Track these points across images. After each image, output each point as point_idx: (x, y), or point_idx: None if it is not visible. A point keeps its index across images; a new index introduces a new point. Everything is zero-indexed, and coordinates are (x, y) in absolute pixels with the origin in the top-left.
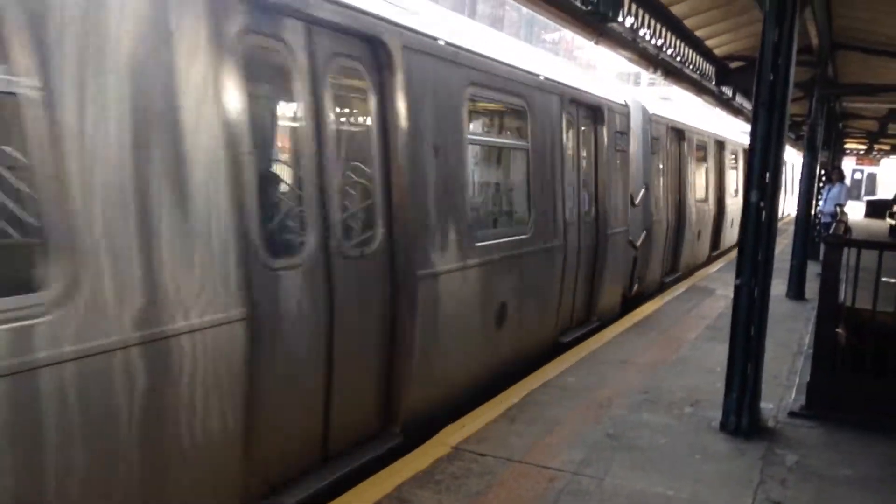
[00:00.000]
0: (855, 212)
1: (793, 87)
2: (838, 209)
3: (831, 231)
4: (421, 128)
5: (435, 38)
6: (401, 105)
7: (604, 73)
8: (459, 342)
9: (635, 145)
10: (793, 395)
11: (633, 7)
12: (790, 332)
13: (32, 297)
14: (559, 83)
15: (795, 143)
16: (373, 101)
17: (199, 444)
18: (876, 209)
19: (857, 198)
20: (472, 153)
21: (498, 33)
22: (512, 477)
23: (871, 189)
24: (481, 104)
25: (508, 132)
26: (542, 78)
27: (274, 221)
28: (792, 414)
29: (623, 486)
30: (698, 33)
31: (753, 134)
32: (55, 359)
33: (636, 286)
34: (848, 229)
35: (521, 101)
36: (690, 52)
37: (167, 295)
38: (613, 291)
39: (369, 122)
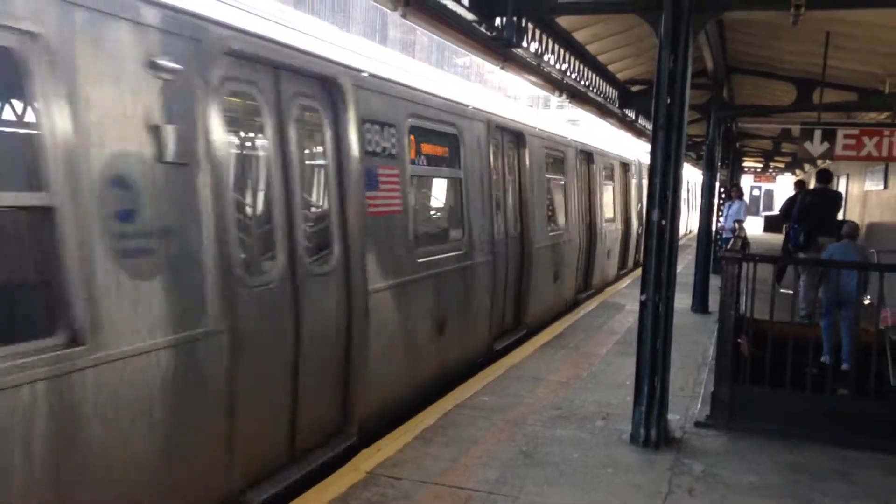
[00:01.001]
0: (754, 227)
1: (690, 109)
2: (737, 225)
3: (729, 246)
4: (370, 157)
5: (381, 77)
6: (352, 137)
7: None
8: (408, 349)
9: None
10: (698, 406)
11: (538, 33)
12: (695, 344)
13: None
14: (485, 111)
15: (696, 162)
16: (328, 134)
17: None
18: (773, 224)
19: (756, 213)
20: (413, 178)
21: (425, 66)
22: (427, 499)
23: (769, 205)
24: (420, 133)
25: (444, 157)
26: (470, 107)
27: (250, 245)
28: (698, 424)
29: (537, 502)
30: (601, 58)
31: (653, 155)
32: None
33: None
34: (746, 244)
35: (453, 129)
36: (594, 76)
37: None
38: (540, 301)
39: (326, 152)
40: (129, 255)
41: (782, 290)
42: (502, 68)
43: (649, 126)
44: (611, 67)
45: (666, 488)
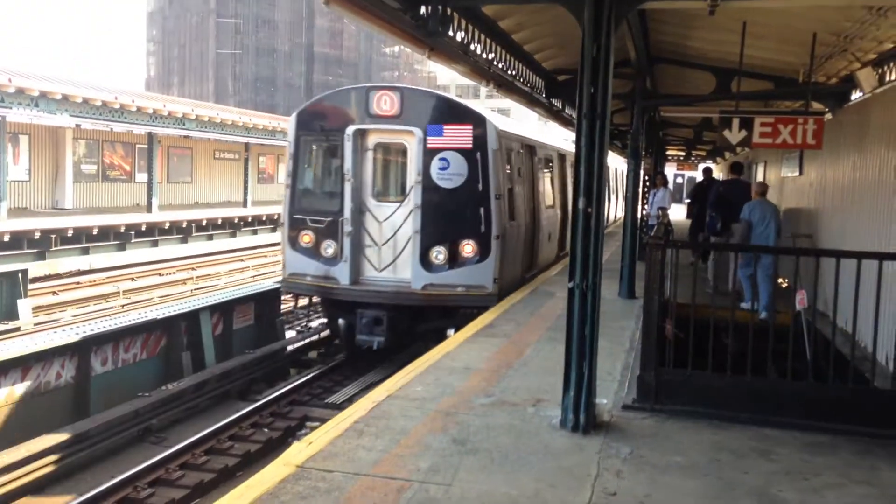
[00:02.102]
0: (678, 213)
1: (615, 98)
2: (661, 212)
3: (653, 233)
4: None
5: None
6: (539, 166)
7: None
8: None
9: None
10: (626, 390)
11: (463, 22)
12: (622, 329)
13: None
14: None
15: (623, 151)
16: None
17: None
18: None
19: (680, 201)
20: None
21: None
22: (360, 491)
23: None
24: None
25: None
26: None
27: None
28: (625, 407)
29: (470, 489)
30: (527, 48)
31: (578, 143)
32: None
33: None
34: (670, 230)
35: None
36: (521, 65)
37: None
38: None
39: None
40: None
41: (691, 262)
42: (428, 57)
43: (575, 115)
44: (537, 57)
45: (595, 471)
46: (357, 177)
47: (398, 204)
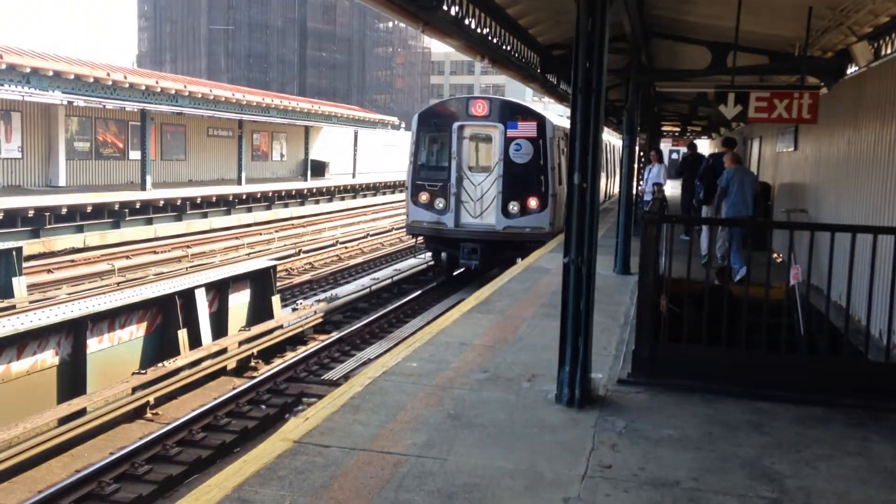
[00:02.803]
0: (674, 189)
1: (610, 73)
2: (656, 188)
3: (648, 209)
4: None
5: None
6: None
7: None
8: None
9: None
10: (621, 364)
11: None
12: (618, 305)
13: None
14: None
15: (618, 127)
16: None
17: None
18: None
19: (675, 177)
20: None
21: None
22: (356, 466)
23: None
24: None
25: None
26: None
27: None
28: (620, 382)
29: (465, 463)
30: (521, 22)
31: (573, 119)
32: None
33: None
34: (665, 206)
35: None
36: (515, 41)
37: None
38: None
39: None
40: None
41: (683, 238)
42: (422, 31)
43: (570, 91)
44: (532, 32)
45: (590, 445)
46: (459, 156)
47: (486, 173)
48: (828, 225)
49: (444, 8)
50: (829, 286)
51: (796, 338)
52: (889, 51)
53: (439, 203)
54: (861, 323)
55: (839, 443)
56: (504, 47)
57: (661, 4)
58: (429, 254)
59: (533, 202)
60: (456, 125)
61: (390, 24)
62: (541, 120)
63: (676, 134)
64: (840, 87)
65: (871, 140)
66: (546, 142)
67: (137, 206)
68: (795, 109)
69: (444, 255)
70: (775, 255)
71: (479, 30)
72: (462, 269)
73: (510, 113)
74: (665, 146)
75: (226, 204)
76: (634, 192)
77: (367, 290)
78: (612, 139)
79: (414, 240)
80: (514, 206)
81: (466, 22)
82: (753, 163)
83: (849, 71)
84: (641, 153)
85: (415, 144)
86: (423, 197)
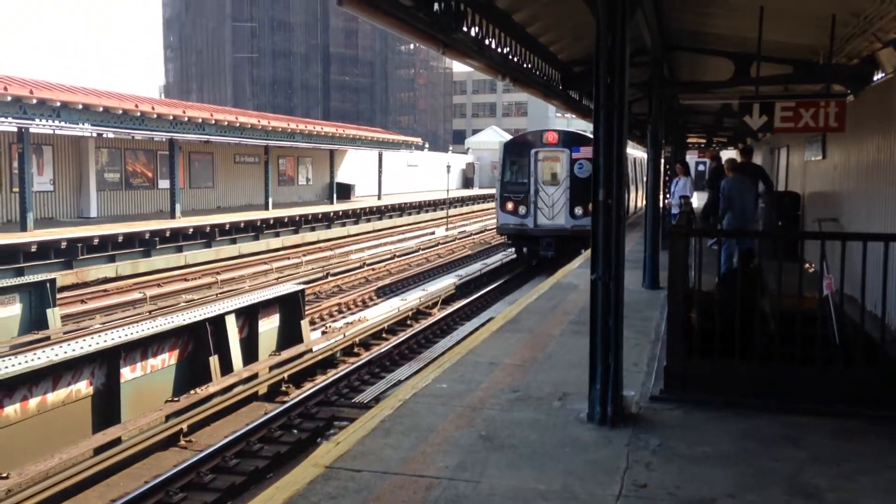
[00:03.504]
0: (701, 201)
1: (632, 87)
2: (683, 200)
3: (675, 222)
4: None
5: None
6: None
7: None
8: None
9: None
10: (653, 381)
11: (477, 17)
12: (647, 320)
13: None
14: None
15: (642, 140)
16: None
17: None
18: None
19: (702, 189)
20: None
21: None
22: (389, 490)
23: None
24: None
25: None
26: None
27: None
28: (653, 399)
29: (498, 485)
30: (541, 40)
31: (596, 135)
32: None
33: None
34: (692, 219)
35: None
36: (536, 58)
37: None
38: None
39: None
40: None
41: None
42: (443, 53)
43: (593, 106)
44: (552, 49)
45: (624, 464)
46: (536, 174)
47: (556, 186)
48: (860, 234)
49: (465, 29)
50: (863, 295)
51: (832, 349)
52: None
53: (521, 210)
54: None
55: (879, 456)
56: (525, 65)
57: (682, 17)
58: (447, 278)
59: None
60: (533, 151)
61: (412, 46)
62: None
63: (702, 146)
64: (867, 94)
65: None
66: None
67: (167, 234)
68: (822, 118)
69: (525, 249)
70: (807, 265)
71: (499, 49)
72: (536, 262)
73: (574, 140)
74: (691, 158)
75: (254, 229)
76: (661, 205)
77: (396, 310)
78: (637, 153)
79: (503, 238)
80: (578, 210)
81: (486, 42)
82: (781, 172)
83: (875, 77)
84: (667, 166)
85: (501, 166)
86: (509, 206)
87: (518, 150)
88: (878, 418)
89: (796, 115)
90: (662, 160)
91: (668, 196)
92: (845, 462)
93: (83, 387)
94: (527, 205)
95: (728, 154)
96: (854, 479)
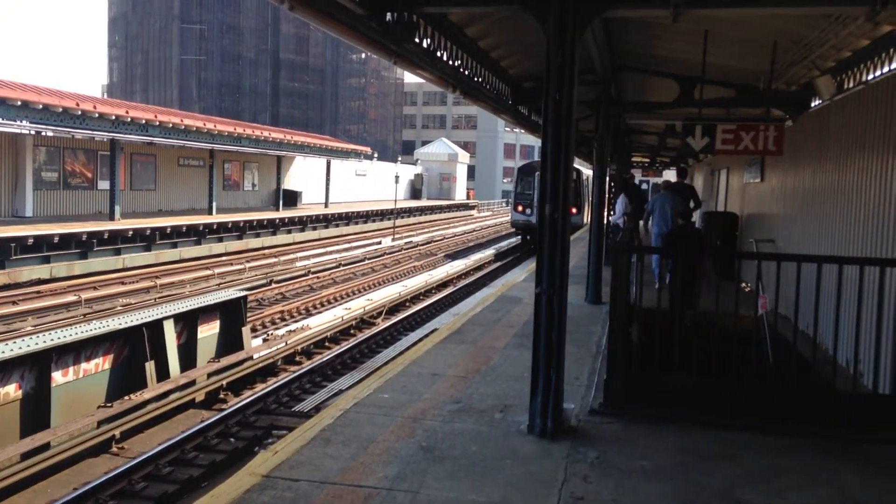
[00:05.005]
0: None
1: (580, 105)
2: (626, 218)
3: (618, 239)
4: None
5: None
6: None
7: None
8: None
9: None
10: (592, 394)
11: (429, 29)
12: (589, 334)
13: None
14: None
15: (588, 157)
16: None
17: None
18: None
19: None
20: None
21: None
22: (326, 500)
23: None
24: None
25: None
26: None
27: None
28: (592, 412)
29: (437, 496)
30: (493, 55)
31: (544, 150)
32: None
33: None
34: (635, 236)
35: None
36: (487, 73)
37: None
38: None
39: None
40: None
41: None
42: (394, 63)
43: (541, 122)
44: (503, 63)
45: (562, 476)
46: (538, 188)
47: None
48: (794, 255)
49: (416, 41)
50: (796, 315)
51: (766, 367)
52: (851, 84)
53: (528, 210)
54: (828, 352)
55: (810, 472)
56: (476, 79)
57: (630, 39)
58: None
59: (575, 210)
60: (537, 174)
61: (363, 55)
62: (577, 171)
63: (646, 165)
64: (805, 119)
65: (836, 171)
66: (581, 181)
67: (106, 236)
68: (761, 141)
69: (528, 237)
70: (744, 285)
71: (450, 62)
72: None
73: None
74: (635, 177)
75: (196, 234)
76: (605, 221)
77: (341, 319)
78: (588, 171)
79: (513, 229)
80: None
81: (438, 54)
82: (721, 193)
83: (813, 104)
84: (612, 183)
85: (515, 181)
86: (520, 208)
87: (527, 172)
88: (810, 436)
89: (737, 137)
90: (608, 178)
91: (611, 213)
92: (778, 478)
93: (11, 390)
94: (531, 207)
95: (668, 175)
96: (785, 496)
